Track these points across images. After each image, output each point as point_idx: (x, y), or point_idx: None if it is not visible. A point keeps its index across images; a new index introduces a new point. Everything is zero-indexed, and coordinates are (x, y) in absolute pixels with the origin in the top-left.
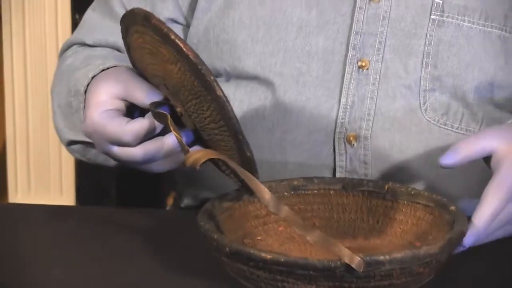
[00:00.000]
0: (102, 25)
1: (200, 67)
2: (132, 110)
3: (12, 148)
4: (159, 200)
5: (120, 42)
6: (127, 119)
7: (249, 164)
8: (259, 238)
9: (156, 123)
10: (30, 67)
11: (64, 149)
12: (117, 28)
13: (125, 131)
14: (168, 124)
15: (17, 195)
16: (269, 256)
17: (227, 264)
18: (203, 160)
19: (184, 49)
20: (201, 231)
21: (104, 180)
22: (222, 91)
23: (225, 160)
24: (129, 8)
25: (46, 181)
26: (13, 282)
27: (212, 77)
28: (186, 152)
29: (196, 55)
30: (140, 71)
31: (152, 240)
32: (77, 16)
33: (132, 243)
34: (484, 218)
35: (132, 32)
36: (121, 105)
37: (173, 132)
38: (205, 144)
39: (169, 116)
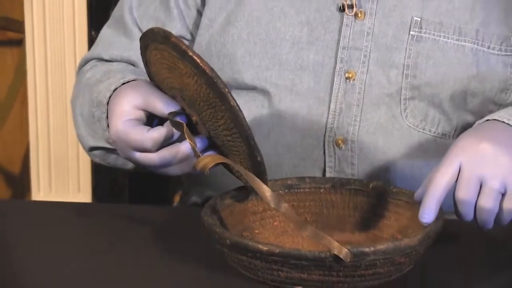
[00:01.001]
0: (117, 42)
1: (215, 80)
2: (151, 120)
3: (35, 151)
4: (167, 197)
5: (133, 56)
6: (147, 127)
7: (259, 167)
8: (256, 231)
9: (174, 130)
10: (51, 78)
11: (81, 151)
12: (131, 44)
13: (146, 138)
14: (183, 131)
15: (40, 193)
16: (265, 248)
17: (228, 255)
18: (211, 165)
19: (201, 64)
20: (204, 225)
21: (118, 179)
22: (235, 101)
23: (231, 163)
24: (141, 25)
25: (65, 181)
26: (35, 273)
27: (226, 89)
28: (197, 157)
29: (212, 70)
30: (157, 84)
31: (160, 234)
32: (93, 33)
33: (143, 236)
34: (435, 199)
35: (151, 49)
36: (142, 115)
37: (188, 139)
38: (218, 150)
39: (185, 124)
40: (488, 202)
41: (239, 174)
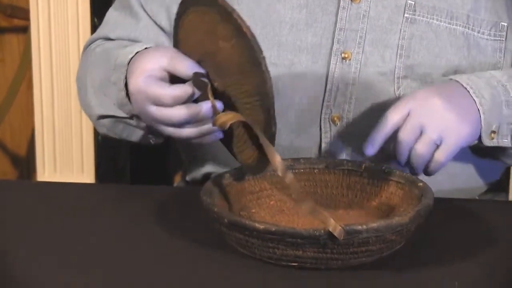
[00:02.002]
0: (124, 23)
1: (253, 45)
2: (172, 83)
3: (40, 134)
4: (167, 178)
5: (140, 37)
6: (168, 84)
7: (272, 138)
8: (253, 211)
9: (195, 91)
10: (55, 64)
11: (85, 134)
12: (137, 25)
13: (166, 93)
14: (206, 91)
15: (45, 173)
16: (262, 226)
17: (226, 233)
18: (231, 122)
19: (244, 27)
20: (203, 205)
21: (120, 160)
22: (267, 68)
23: (250, 124)
24: (146, 7)
25: (69, 162)
26: (40, 251)
27: (262, 55)
28: (217, 114)
29: (253, 34)
30: (182, 51)
31: (160, 213)
32: (96, 20)
33: (143, 215)
34: (381, 133)
35: (189, 12)
36: (165, 75)
37: (210, 97)
38: None
39: (209, 83)
40: (423, 148)
41: (239, 151)
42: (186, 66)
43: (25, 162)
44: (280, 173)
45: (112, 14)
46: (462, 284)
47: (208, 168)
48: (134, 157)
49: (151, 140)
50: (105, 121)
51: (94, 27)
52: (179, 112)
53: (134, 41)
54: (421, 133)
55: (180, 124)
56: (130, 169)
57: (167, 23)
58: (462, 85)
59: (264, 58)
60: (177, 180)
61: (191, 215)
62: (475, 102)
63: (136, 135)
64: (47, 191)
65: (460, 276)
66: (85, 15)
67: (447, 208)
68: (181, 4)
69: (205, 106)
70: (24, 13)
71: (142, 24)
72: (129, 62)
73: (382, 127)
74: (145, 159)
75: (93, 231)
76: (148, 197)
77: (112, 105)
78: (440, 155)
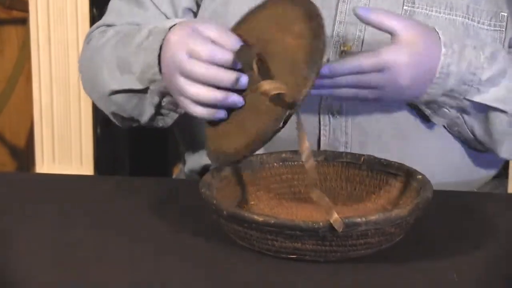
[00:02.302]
0: (130, 11)
1: (320, 52)
2: None
3: (39, 125)
4: (166, 170)
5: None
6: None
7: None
8: (252, 203)
9: (236, 62)
10: (54, 55)
11: (84, 125)
12: (144, 14)
13: (208, 48)
14: (253, 61)
15: (43, 165)
16: (261, 218)
17: (225, 225)
18: (274, 93)
19: (322, 34)
20: (202, 197)
21: (119, 152)
22: (314, 80)
23: (294, 99)
24: None
25: (68, 153)
26: (39, 243)
27: (321, 64)
28: (258, 81)
29: (325, 43)
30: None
31: (159, 205)
32: (94, 11)
33: (142, 207)
34: (352, 62)
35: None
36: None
37: (254, 65)
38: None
39: (256, 57)
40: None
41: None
42: (234, 38)
43: (24, 154)
44: (303, 158)
45: (116, 3)
46: (460, 276)
47: (206, 159)
48: (133, 149)
49: (159, 122)
50: (118, 96)
51: (93, 19)
52: (216, 69)
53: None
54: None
55: (213, 81)
56: (129, 161)
57: (171, 10)
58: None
59: (319, 68)
60: (176, 172)
61: (190, 207)
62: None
63: (146, 114)
64: (46, 182)
65: (459, 268)
66: (84, 7)
67: (446, 201)
68: None
69: (244, 75)
70: (22, 5)
71: (149, 13)
72: (170, 28)
73: (355, 61)
74: (144, 151)
75: (92, 223)
76: (147, 189)
77: (130, 79)
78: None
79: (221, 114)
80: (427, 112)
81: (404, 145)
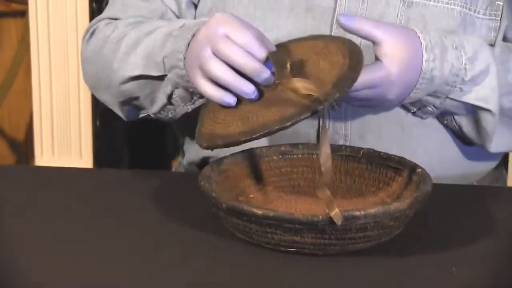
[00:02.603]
0: (134, 4)
1: (347, 87)
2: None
3: (38, 118)
4: (165, 163)
5: (154, 18)
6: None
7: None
8: (251, 196)
9: (270, 64)
10: (53, 48)
11: (83, 118)
12: (149, 7)
13: (248, 32)
14: (286, 62)
15: (43, 158)
16: (260, 212)
17: (224, 219)
18: (303, 93)
19: (358, 69)
20: (201, 190)
21: (118, 145)
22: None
23: (321, 98)
24: None
25: (67, 146)
26: (38, 235)
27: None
28: (288, 78)
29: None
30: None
31: (159, 198)
32: (94, 4)
33: (141, 200)
34: None
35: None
36: None
37: (288, 64)
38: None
39: (289, 62)
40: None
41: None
42: (272, 44)
43: (23, 147)
44: (321, 160)
45: None
46: (459, 269)
47: (206, 151)
48: (132, 142)
49: (169, 113)
50: (131, 84)
51: (92, 12)
52: (242, 51)
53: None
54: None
55: (239, 65)
56: (128, 154)
57: (174, 3)
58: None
59: (343, 95)
60: (175, 165)
61: (189, 200)
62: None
63: (158, 103)
64: (45, 175)
65: (457, 261)
66: (84, 0)
67: (445, 194)
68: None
69: (268, 72)
70: None
71: (153, 6)
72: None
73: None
74: (143, 144)
75: (91, 215)
76: (146, 182)
77: (150, 64)
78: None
79: (230, 99)
80: (411, 108)
81: (404, 138)
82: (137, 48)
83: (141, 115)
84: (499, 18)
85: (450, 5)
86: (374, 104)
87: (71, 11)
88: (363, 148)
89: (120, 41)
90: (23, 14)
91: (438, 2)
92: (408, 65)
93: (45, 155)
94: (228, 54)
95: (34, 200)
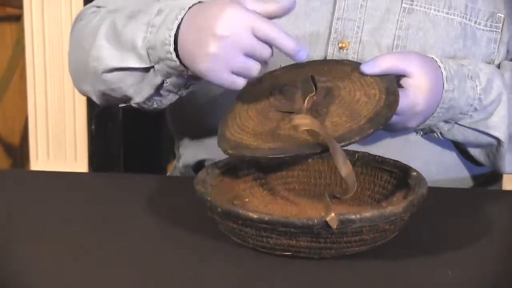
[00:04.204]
0: None
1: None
2: None
3: (33, 123)
4: (160, 167)
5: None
6: None
7: None
8: (246, 200)
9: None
10: (49, 52)
11: (78, 122)
12: None
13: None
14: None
15: (38, 162)
16: (255, 216)
17: (219, 222)
18: (304, 128)
19: (394, 108)
20: (197, 194)
21: (114, 149)
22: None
23: (325, 135)
24: None
25: (62, 150)
26: (34, 240)
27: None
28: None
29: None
30: None
31: (154, 202)
32: None
33: (137, 204)
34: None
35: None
36: None
37: (307, 99)
38: None
39: (315, 91)
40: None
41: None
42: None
43: (19, 151)
44: (343, 175)
45: None
46: (455, 272)
47: (201, 154)
48: (127, 146)
49: (154, 103)
50: (114, 74)
51: None
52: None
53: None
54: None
55: (248, 48)
56: (123, 157)
57: None
58: (444, 86)
59: (375, 131)
60: (171, 169)
61: (185, 204)
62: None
63: (142, 94)
64: (41, 179)
65: (453, 265)
66: (79, 3)
67: (440, 198)
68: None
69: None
70: (16, 2)
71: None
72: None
73: (382, 62)
74: (138, 148)
75: (86, 220)
76: (142, 186)
77: (132, 56)
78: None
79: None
80: (418, 132)
81: (401, 143)
82: (118, 38)
83: (121, 105)
84: (499, 30)
85: (450, 15)
86: (393, 129)
87: (66, 15)
88: (358, 152)
89: (98, 28)
90: (18, 18)
91: (438, 11)
92: (431, 97)
93: (40, 159)
94: (271, 30)
95: (29, 204)
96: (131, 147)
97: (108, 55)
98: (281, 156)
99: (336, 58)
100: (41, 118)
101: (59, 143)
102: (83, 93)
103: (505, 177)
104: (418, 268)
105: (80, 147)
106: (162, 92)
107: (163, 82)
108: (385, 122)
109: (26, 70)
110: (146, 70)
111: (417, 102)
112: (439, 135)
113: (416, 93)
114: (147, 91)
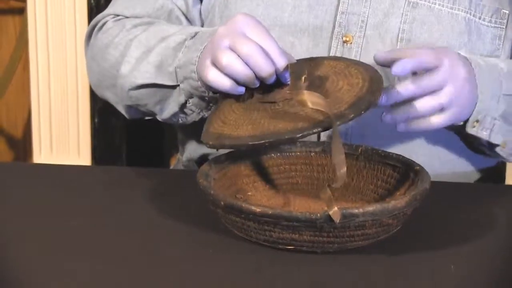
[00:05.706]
0: (141, 1)
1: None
2: None
3: (36, 116)
4: (163, 160)
5: (161, 16)
6: None
7: None
8: (249, 193)
9: (287, 71)
10: (52, 45)
11: (81, 115)
12: (155, 4)
13: (268, 36)
14: (303, 74)
15: (41, 156)
16: (258, 209)
17: (222, 216)
18: (310, 107)
19: (377, 98)
20: (200, 188)
21: (117, 142)
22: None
23: (329, 112)
24: None
25: (65, 144)
26: (36, 233)
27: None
28: (299, 89)
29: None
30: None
31: (157, 196)
32: (92, 1)
33: (140, 198)
34: (414, 62)
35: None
36: None
37: (303, 77)
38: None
39: (306, 73)
40: (428, 103)
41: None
42: (292, 56)
43: (22, 144)
44: (337, 172)
45: None
46: (458, 267)
47: (204, 148)
48: (131, 140)
49: (179, 119)
50: (140, 91)
51: (90, 8)
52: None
53: (156, 18)
54: (434, 91)
55: (251, 52)
56: (126, 151)
57: (182, 2)
58: (472, 68)
59: (359, 114)
60: (174, 163)
61: (188, 198)
62: (477, 87)
63: (168, 111)
64: (44, 173)
65: (456, 259)
66: None
67: (443, 192)
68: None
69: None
70: None
71: (160, 2)
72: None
73: (415, 58)
74: (141, 142)
75: (89, 213)
76: (145, 180)
77: (162, 73)
78: (436, 120)
79: (237, 88)
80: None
81: (404, 137)
82: (149, 56)
83: (146, 118)
84: (504, 27)
85: (454, 10)
86: (455, 104)
87: (69, 8)
88: (361, 146)
89: (129, 44)
90: (21, 11)
91: (442, 6)
92: (470, 69)
93: (43, 153)
94: (247, 52)
95: (32, 197)
96: (134, 141)
97: (138, 73)
98: (261, 142)
99: (339, 52)
100: (44, 111)
101: (62, 136)
102: (106, 99)
103: (508, 171)
104: (421, 263)
105: (83, 141)
106: (186, 110)
107: (186, 102)
108: (367, 106)
109: (29, 64)
110: (173, 87)
111: (458, 63)
112: (492, 123)
113: (455, 64)
114: (173, 108)
